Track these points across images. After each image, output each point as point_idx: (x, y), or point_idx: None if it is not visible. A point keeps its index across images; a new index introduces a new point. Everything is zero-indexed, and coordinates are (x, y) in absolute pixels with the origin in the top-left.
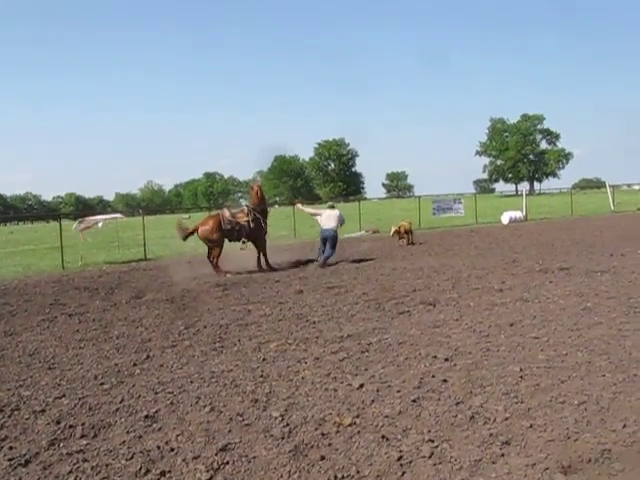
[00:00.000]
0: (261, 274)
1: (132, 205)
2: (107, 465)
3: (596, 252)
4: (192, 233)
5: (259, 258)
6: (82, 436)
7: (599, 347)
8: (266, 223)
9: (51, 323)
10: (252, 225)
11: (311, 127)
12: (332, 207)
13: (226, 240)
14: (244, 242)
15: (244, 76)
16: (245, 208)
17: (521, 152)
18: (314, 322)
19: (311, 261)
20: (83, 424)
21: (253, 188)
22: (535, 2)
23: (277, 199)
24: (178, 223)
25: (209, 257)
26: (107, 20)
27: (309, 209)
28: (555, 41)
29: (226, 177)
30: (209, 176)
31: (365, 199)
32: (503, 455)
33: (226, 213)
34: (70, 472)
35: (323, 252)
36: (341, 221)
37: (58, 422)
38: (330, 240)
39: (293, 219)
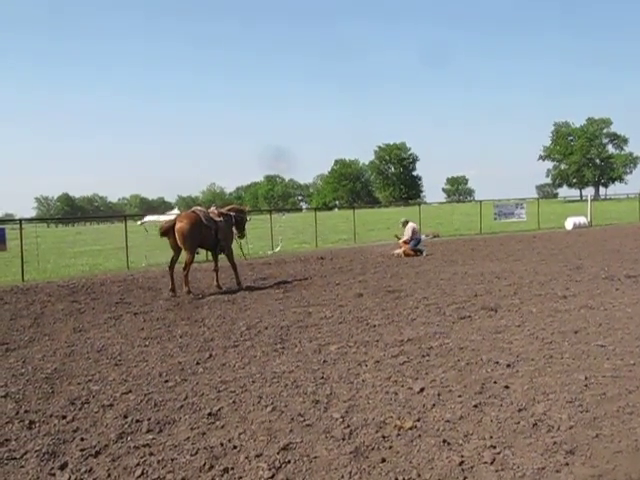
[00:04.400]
0: (321, 277)
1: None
2: (172, 460)
3: None
4: (172, 229)
5: (217, 276)
6: (148, 431)
7: None
8: (232, 232)
9: (117, 321)
10: (224, 225)
11: (370, 131)
12: (406, 222)
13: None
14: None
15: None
16: (215, 209)
17: (586, 156)
18: (374, 325)
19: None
20: (149, 419)
21: (242, 205)
22: (599, 4)
23: (337, 202)
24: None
25: (172, 266)
26: (180, 16)
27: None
28: (623, 44)
29: (287, 180)
30: (270, 179)
31: (425, 203)
32: (567, 464)
33: (201, 210)
34: (137, 465)
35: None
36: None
37: (125, 416)
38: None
39: (353, 223)
